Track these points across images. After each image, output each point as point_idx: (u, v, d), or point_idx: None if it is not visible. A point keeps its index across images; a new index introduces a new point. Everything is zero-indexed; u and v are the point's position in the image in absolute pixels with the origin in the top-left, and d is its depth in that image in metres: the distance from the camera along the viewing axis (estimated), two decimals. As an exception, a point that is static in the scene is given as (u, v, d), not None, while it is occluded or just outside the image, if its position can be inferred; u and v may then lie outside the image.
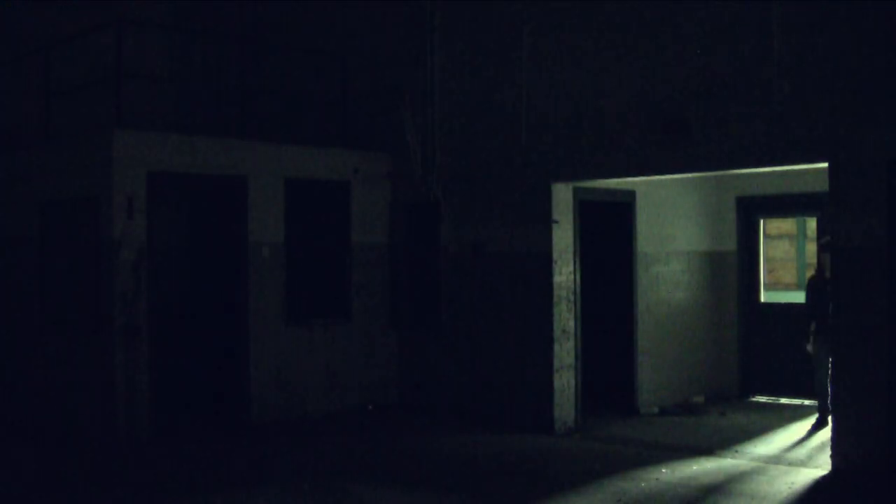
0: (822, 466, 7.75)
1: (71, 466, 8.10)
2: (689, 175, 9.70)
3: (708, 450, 8.49)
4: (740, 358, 11.40)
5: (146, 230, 8.98)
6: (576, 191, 9.57)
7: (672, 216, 10.92)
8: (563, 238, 9.45)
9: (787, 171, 9.83)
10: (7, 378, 10.39)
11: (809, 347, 9.57)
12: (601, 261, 10.56)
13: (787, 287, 21.94)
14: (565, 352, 9.45)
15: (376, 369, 10.76)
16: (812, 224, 13.53)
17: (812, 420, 9.95)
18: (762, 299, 11.56)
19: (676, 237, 10.99)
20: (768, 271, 15.80)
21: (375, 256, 10.86)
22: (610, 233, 10.56)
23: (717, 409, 10.59)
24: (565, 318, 9.45)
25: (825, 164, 7.64)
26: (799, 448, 8.55)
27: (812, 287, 9.50)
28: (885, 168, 7.28)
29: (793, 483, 7.32)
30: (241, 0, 12.84)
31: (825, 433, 8.23)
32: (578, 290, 9.60)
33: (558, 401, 9.35)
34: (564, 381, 9.42)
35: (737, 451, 8.46)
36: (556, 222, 9.37)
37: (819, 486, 7.30)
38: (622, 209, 10.38)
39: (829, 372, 8.11)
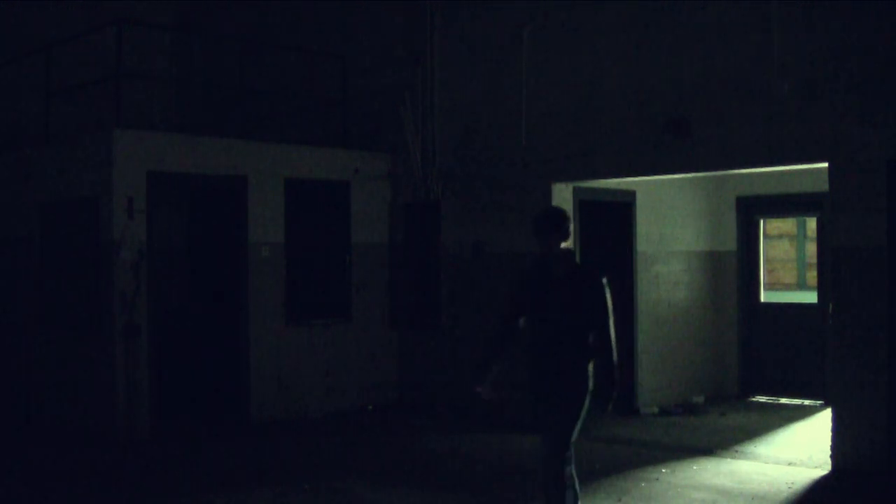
0: (822, 466, 7.75)
1: (71, 466, 8.09)
2: (689, 175, 9.69)
3: (708, 450, 8.48)
4: (740, 358, 11.40)
5: (146, 230, 8.98)
6: (576, 191, 9.57)
7: (672, 216, 10.92)
8: (563, 238, 9.43)
9: (787, 171, 9.84)
10: (7, 378, 10.39)
11: (486, 390, 5.83)
12: (601, 261, 10.54)
13: (788, 287, 21.97)
14: (565, 352, 9.43)
15: (376, 369, 10.76)
16: (812, 224, 13.53)
17: (810, 421, 9.94)
18: (762, 299, 11.56)
19: (676, 237, 10.99)
20: (768, 271, 15.83)
21: (375, 256, 10.86)
22: (610, 233, 10.56)
23: (717, 409, 10.58)
24: (565, 318, 9.43)
25: (825, 164, 7.64)
26: (799, 448, 8.55)
27: (525, 285, 5.63)
28: (885, 168, 7.28)
29: (793, 483, 7.32)
30: (241, 0, 12.84)
31: (823, 433, 8.23)
32: (578, 290, 9.58)
33: (558, 401, 9.33)
34: (564, 381, 9.40)
35: (737, 451, 8.46)
36: (556, 222, 9.35)
37: (819, 486, 7.29)
38: (622, 209, 10.38)
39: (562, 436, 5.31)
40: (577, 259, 5.60)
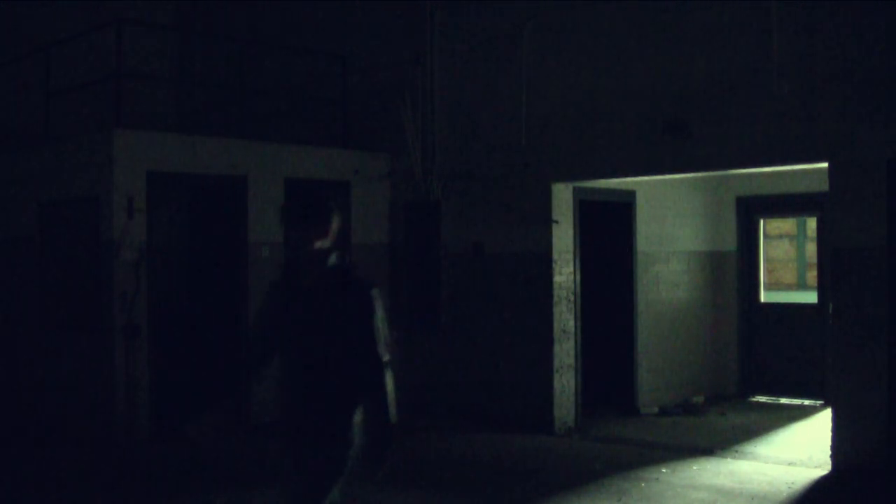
0: (822, 466, 7.75)
1: (71, 466, 8.09)
2: (689, 175, 9.70)
3: (708, 450, 8.49)
4: (740, 358, 11.41)
5: (146, 230, 8.98)
6: (576, 191, 9.57)
7: (672, 216, 10.93)
8: (563, 238, 9.45)
9: (787, 171, 9.85)
10: (7, 378, 10.39)
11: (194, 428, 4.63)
12: (601, 261, 10.56)
13: (788, 287, 21.99)
14: (565, 352, 9.45)
15: (376, 369, 10.73)
16: (812, 224, 13.54)
17: (810, 421, 9.94)
18: (762, 299, 11.57)
19: (676, 237, 11.00)
20: (768, 271, 15.85)
21: (375, 256, 10.85)
22: (610, 233, 10.57)
23: (717, 409, 10.59)
24: (565, 318, 9.45)
25: (825, 164, 7.64)
26: (799, 448, 8.55)
27: (273, 298, 4.24)
28: (885, 168, 7.28)
29: (793, 483, 7.32)
30: (241, 0, 12.84)
31: (824, 433, 8.23)
32: (578, 290, 9.60)
33: (558, 401, 9.35)
34: (564, 381, 9.42)
35: (737, 451, 8.46)
36: (556, 222, 9.37)
37: (819, 486, 7.30)
38: (622, 209, 10.38)
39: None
40: (352, 264, 4.08)
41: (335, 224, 4.08)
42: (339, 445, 4.00)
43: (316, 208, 4.05)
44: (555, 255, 9.36)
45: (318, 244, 4.04)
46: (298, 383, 4.08)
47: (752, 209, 11.49)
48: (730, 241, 11.55)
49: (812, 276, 17.23)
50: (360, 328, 3.99)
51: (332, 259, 4.07)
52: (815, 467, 7.78)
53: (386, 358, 4.01)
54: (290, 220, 4.07)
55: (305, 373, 4.05)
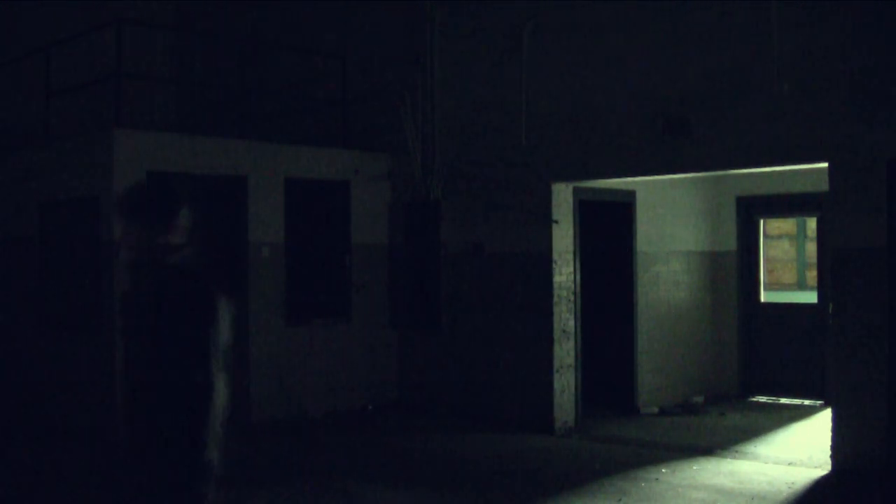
0: (822, 466, 7.75)
1: (70, 466, 8.09)
2: (689, 175, 9.70)
3: (708, 450, 8.49)
4: (740, 358, 11.41)
5: (146, 230, 8.97)
6: (576, 191, 9.57)
7: (672, 216, 10.93)
8: (563, 238, 9.45)
9: (787, 171, 9.84)
10: (7, 378, 10.39)
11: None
12: (601, 261, 10.56)
13: (788, 287, 21.97)
14: (565, 352, 9.45)
15: (376, 369, 10.76)
16: (812, 224, 13.54)
17: (810, 421, 9.94)
18: (762, 299, 11.57)
19: (676, 237, 11.00)
20: (768, 271, 15.85)
21: (375, 256, 10.86)
22: (610, 233, 10.57)
23: (717, 409, 10.58)
24: (565, 318, 9.45)
25: (825, 164, 7.64)
26: (799, 448, 8.55)
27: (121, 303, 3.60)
28: (885, 168, 7.28)
29: (793, 483, 7.32)
30: (241, 0, 12.84)
31: (824, 433, 8.22)
32: (578, 290, 9.60)
33: (558, 401, 9.35)
34: (564, 381, 9.42)
35: (737, 451, 8.46)
36: (556, 222, 9.37)
37: (819, 486, 7.30)
38: (622, 209, 10.38)
39: None
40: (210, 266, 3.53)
41: (183, 219, 3.50)
42: (173, 471, 3.33)
43: (155, 200, 3.45)
44: (555, 255, 9.36)
45: (163, 242, 3.42)
46: (134, 399, 3.41)
47: (752, 209, 11.49)
48: (730, 241, 11.54)
49: (812, 276, 17.22)
50: (194, 339, 3.27)
51: (176, 258, 3.44)
52: (815, 467, 7.78)
53: (219, 380, 3.30)
54: (126, 214, 3.43)
55: (139, 386, 3.38)
